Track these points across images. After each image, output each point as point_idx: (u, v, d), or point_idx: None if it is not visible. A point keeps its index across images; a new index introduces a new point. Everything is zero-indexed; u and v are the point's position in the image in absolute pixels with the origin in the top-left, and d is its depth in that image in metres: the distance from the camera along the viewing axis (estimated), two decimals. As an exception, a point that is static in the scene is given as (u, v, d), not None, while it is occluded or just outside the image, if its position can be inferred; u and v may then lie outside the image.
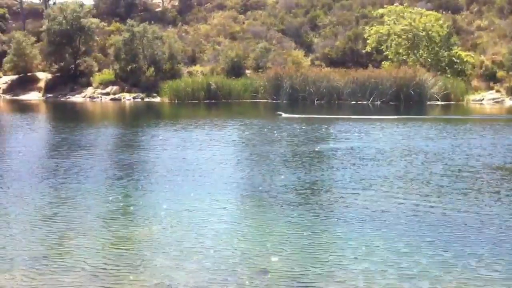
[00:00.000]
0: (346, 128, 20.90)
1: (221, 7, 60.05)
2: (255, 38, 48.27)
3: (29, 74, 45.98)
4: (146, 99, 39.37)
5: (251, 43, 46.80)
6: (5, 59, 46.04)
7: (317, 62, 44.60)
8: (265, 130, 20.61)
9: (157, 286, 6.27)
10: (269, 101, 36.65)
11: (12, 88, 45.44)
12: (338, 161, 13.99)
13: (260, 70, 41.58)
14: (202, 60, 46.09)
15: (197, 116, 29.19)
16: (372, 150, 15.60)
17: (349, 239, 7.81)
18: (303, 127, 21.42)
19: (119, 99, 39.94)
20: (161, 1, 64.00)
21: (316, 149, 15.82)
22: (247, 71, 42.68)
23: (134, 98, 39.86)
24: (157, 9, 61.51)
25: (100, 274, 6.56)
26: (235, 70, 41.15)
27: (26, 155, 15.25)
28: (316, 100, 35.77)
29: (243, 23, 54.80)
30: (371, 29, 42.67)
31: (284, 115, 26.09)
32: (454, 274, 6.60)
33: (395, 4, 44.85)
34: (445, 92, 35.40)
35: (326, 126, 21.56)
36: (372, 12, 47.47)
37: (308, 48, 47.74)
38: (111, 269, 6.73)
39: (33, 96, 43.32)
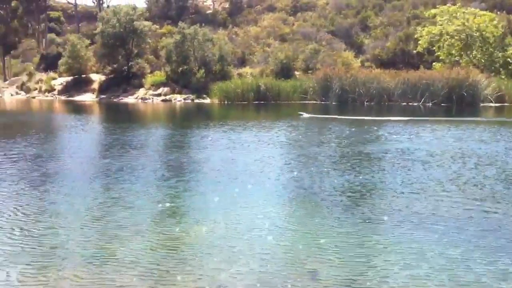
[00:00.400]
0: (380, 130, 20.58)
1: (271, 9, 60.29)
2: (304, 40, 48.17)
3: (83, 75, 47.10)
4: (196, 100, 39.73)
5: (301, 44, 46.69)
6: (60, 61, 47.33)
7: (367, 64, 44.18)
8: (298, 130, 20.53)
9: (205, 288, 6.30)
10: (318, 102, 36.42)
11: (67, 89, 46.71)
12: (389, 163, 13.78)
13: (309, 72, 41.44)
14: (251, 61, 46.26)
15: (246, 117, 29.26)
16: (423, 152, 15.31)
17: (400, 244, 7.67)
18: (318, 128, 21.40)
19: (170, 100, 40.44)
20: (212, 4, 64.64)
21: (365, 151, 15.64)
22: (297, 73, 42.62)
23: (184, 99, 40.31)
24: (208, 12, 62.17)
25: (149, 275, 6.63)
26: (285, 71, 41.14)
27: (79, 155, 15.59)
28: (366, 102, 35.28)
29: (293, 24, 54.81)
30: (423, 30, 42.00)
31: (305, 115, 26.34)
32: (509, 282, 6.40)
33: (448, 4, 44.01)
34: (499, 93, 34.47)
35: (337, 128, 21.25)
36: (424, 12, 46.71)
37: (358, 49, 47.36)
38: (159, 270, 6.79)
39: (87, 97, 44.33)
